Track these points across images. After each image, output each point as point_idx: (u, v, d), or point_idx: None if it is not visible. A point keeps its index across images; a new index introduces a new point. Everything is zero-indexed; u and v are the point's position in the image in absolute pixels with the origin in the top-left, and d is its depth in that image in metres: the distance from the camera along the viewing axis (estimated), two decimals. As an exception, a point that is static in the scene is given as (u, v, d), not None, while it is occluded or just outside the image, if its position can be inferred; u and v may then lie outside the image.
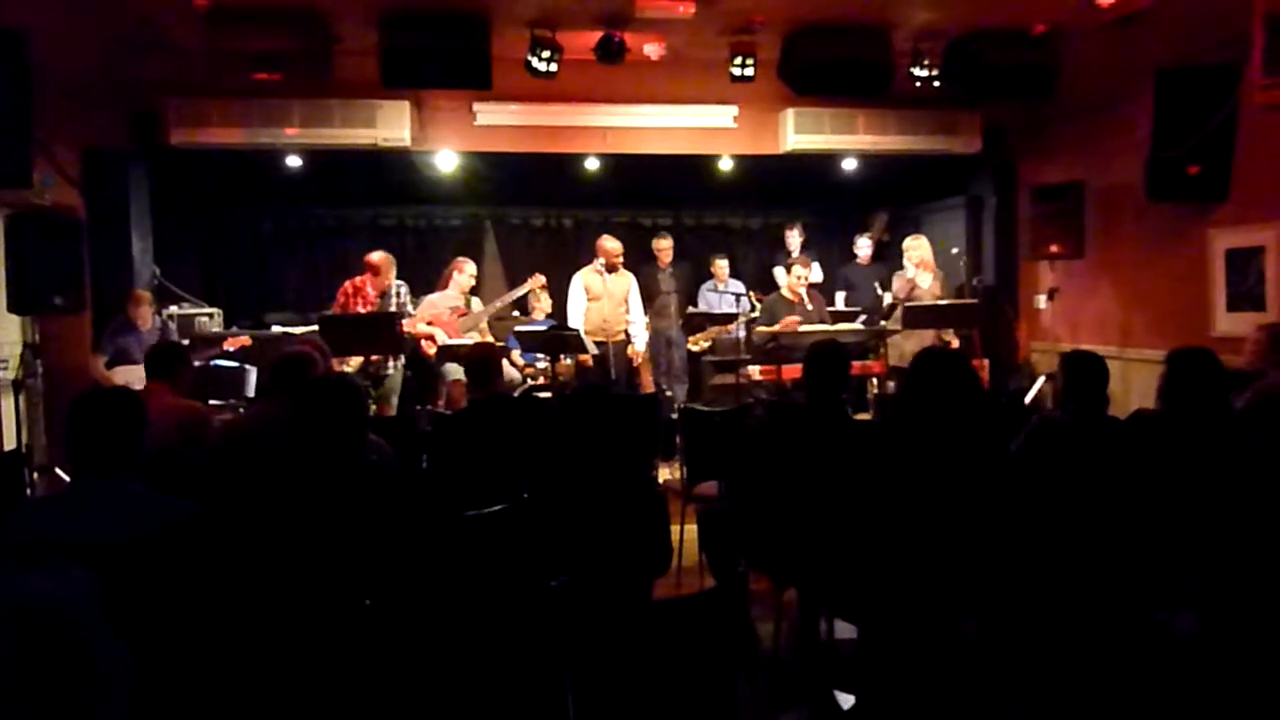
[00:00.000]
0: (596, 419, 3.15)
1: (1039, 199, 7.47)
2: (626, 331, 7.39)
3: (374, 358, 6.50)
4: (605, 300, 7.26)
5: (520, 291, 7.53)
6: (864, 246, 8.78)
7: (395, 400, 6.74)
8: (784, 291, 7.42)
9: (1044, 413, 3.77)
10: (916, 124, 7.41)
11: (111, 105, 6.69)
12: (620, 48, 5.92)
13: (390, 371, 6.66)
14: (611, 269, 7.34)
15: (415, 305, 6.97)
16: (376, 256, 6.70)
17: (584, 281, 7.35)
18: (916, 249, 7.30)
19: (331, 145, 6.85)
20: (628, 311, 7.39)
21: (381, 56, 5.75)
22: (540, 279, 7.66)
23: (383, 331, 6.14)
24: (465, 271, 7.21)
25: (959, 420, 2.98)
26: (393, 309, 6.63)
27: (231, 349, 6.68)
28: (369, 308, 6.62)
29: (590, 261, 7.48)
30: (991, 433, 3.17)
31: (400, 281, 6.81)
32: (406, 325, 6.57)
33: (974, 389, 3.09)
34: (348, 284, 6.71)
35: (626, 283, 7.42)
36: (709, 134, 7.51)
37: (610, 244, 7.40)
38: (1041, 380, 6.61)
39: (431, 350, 6.92)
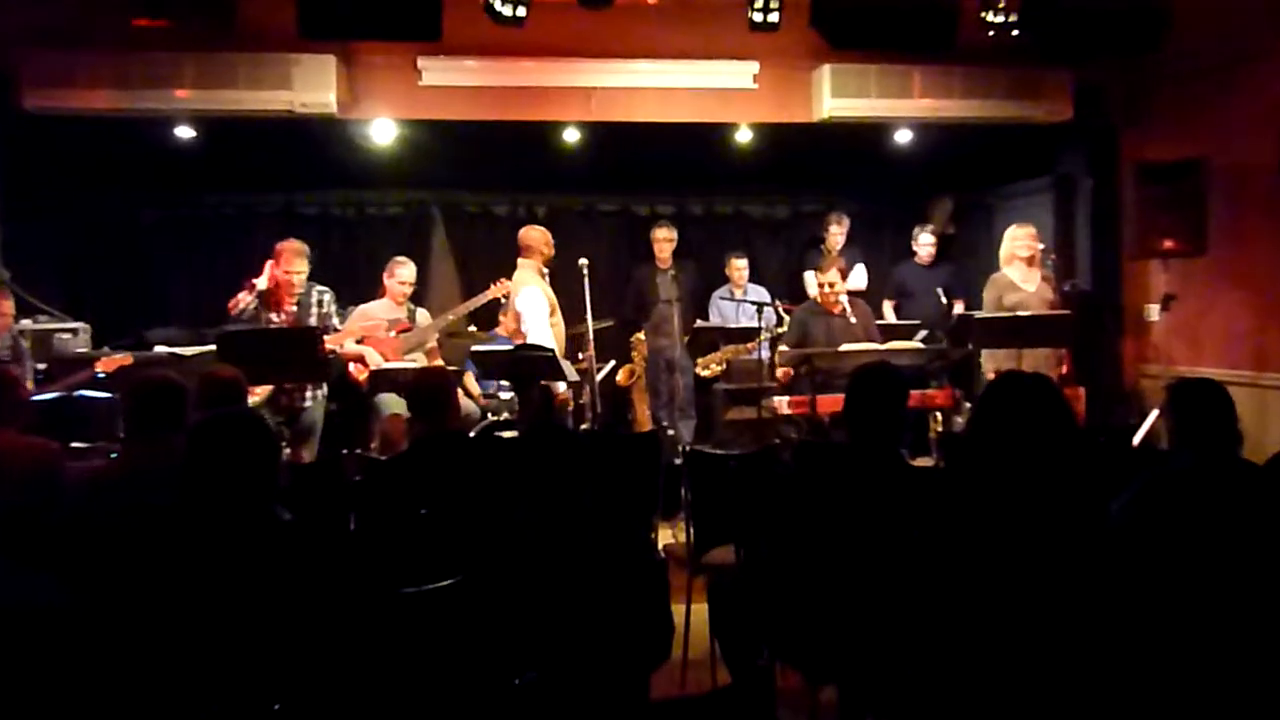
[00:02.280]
0: (568, 466, 3.15)
1: (1147, 180, 7.51)
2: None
3: (288, 386, 6.48)
4: (558, 312, 7.06)
5: (479, 301, 7.52)
6: (924, 243, 8.82)
7: (315, 441, 6.73)
8: (819, 300, 7.43)
9: (1158, 459, 3.77)
10: (989, 85, 7.47)
11: (-54, 60, 6.73)
12: (608, -14, 5.96)
13: (308, 404, 6.65)
14: (549, 265, 7.07)
15: (342, 319, 6.98)
16: (286, 244, 6.67)
17: (544, 292, 7.00)
18: (1023, 241, 7.21)
19: (234, 112, 6.86)
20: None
21: (299, -2, 5.79)
22: (506, 285, 7.65)
23: (301, 351, 6.10)
24: (397, 275, 7.21)
25: (1045, 468, 2.98)
26: (312, 322, 6.62)
27: (104, 373, 6.65)
28: (285, 318, 6.63)
29: (547, 262, 7.15)
30: (1088, 485, 3.16)
31: (323, 288, 6.81)
32: (330, 343, 6.57)
33: (1065, 426, 3.09)
34: (249, 285, 6.68)
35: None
36: (722, 98, 7.56)
37: (539, 233, 7.11)
38: (1154, 415, 6.62)
39: (363, 376, 6.91)
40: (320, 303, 6.75)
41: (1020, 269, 7.09)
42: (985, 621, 2.86)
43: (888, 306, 8.75)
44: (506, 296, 7.72)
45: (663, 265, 8.54)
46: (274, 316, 6.59)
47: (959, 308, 8.26)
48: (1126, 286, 8.20)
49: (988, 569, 2.90)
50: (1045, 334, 6.90)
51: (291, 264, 6.58)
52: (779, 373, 7.05)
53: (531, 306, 6.89)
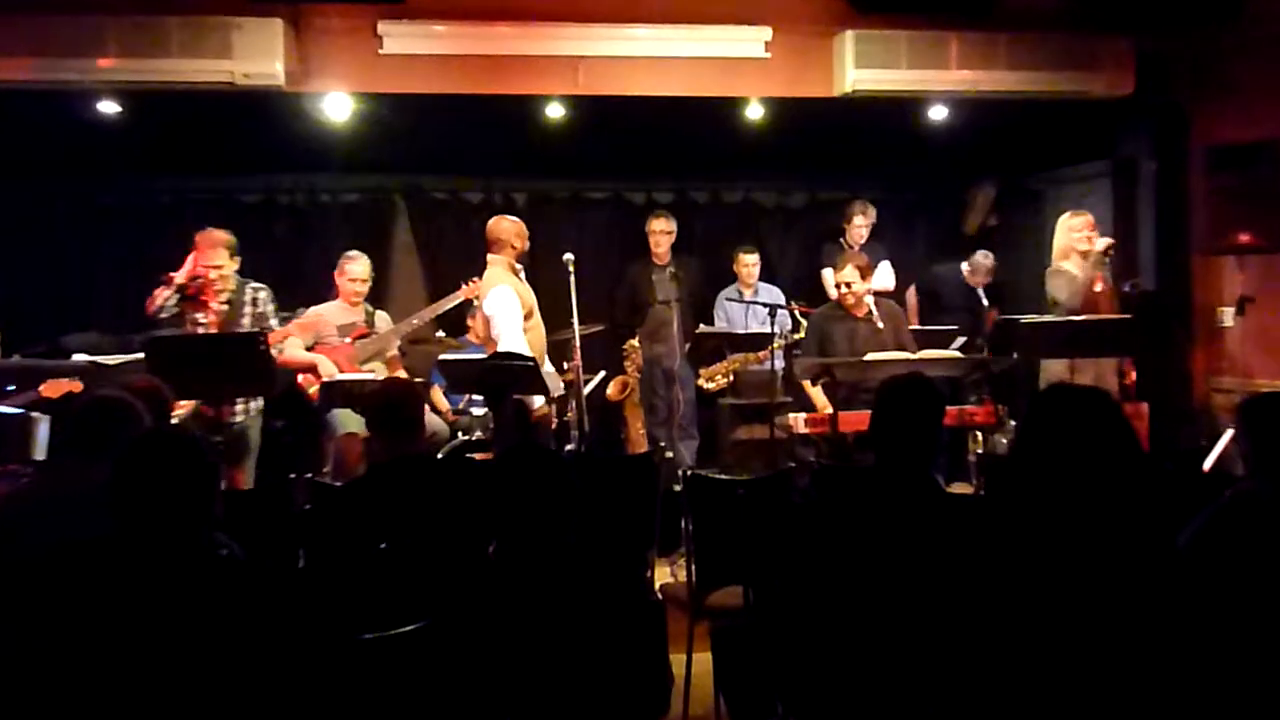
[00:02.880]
0: (550, 494, 3.14)
1: (1220, 165, 7.53)
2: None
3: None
4: (536, 315, 6.92)
5: (447, 304, 7.53)
6: (980, 269, 8.87)
7: (251, 464, 6.71)
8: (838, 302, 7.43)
9: (1231, 486, 3.77)
10: (1037, 55, 7.50)
11: None
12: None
13: (239, 418, 6.61)
14: (522, 261, 6.93)
15: (283, 321, 6.99)
16: (205, 234, 6.66)
17: (518, 292, 6.83)
18: (1081, 232, 7.15)
19: (166, 84, 6.87)
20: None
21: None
22: (479, 285, 7.64)
23: (244, 359, 6.09)
24: (348, 271, 7.23)
25: (1103, 497, 2.98)
26: (245, 323, 6.64)
27: (52, 397, 6.59)
28: (213, 319, 6.63)
29: (520, 258, 6.97)
30: (1152, 517, 3.16)
31: (258, 285, 6.82)
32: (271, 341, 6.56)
33: (1126, 448, 3.09)
34: (167, 279, 6.65)
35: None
36: (729, 68, 7.58)
37: (509, 224, 6.95)
38: (1227, 436, 6.62)
39: (314, 388, 6.91)
40: (255, 301, 6.77)
41: (1078, 264, 7.10)
42: (1036, 675, 2.85)
43: (912, 297, 8.76)
44: (479, 298, 7.71)
45: (660, 261, 8.54)
46: (199, 316, 6.58)
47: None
48: (1196, 287, 8.23)
49: (1037, 613, 2.89)
50: (1102, 341, 6.91)
51: (210, 256, 6.57)
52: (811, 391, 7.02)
53: (501, 309, 6.74)
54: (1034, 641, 2.87)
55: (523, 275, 6.94)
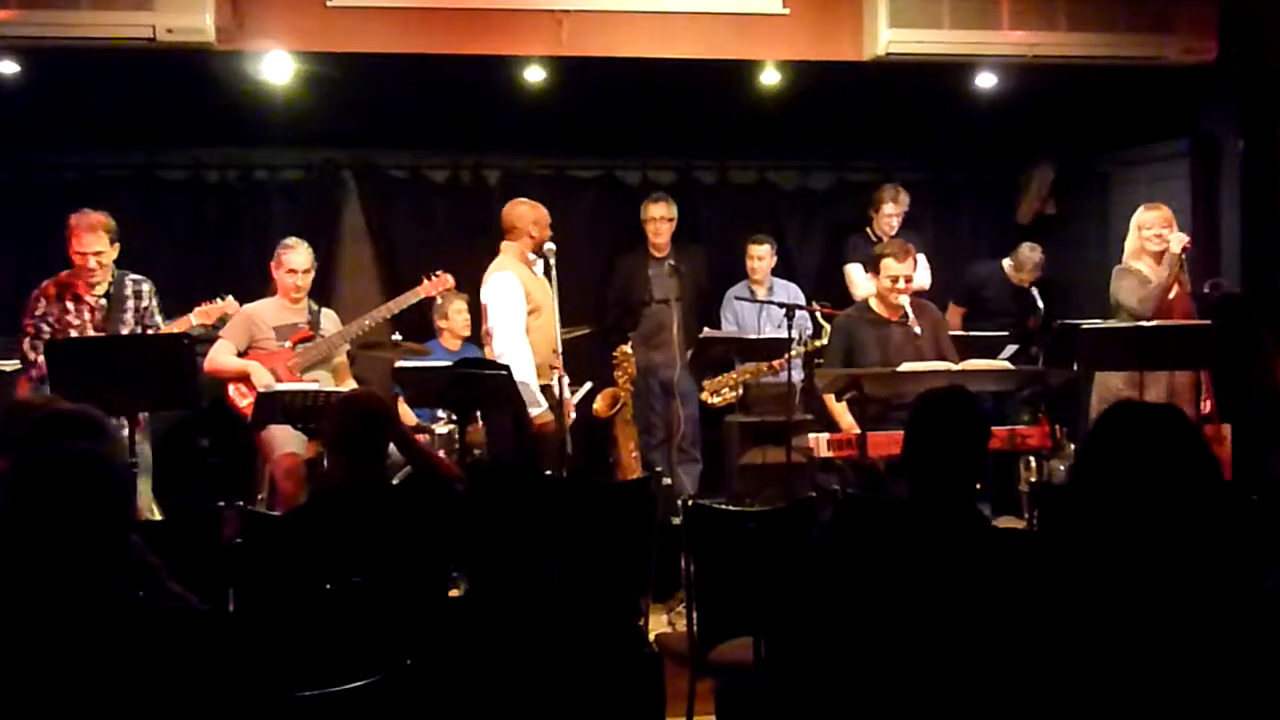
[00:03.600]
0: (524, 527, 3.15)
1: (1318, 143, 7.55)
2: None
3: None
4: (546, 313, 7.01)
5: (405, 302, 7.53)
6: (1028, 265, 8.90)
7: (147, 488, 6.74)
8: (871, 303, 7.45)
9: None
10: (1103, 13, 7.55)
11: None
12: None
13: (127, 431, 6.59)
14: (542, 256, 7.04)
15: (167, 320, 7.03)
16: (80, 217, 6.71)
17: (523, 283, 7.00)
18: (1153, 229, 7.16)
19: (74, 40, 6.87)
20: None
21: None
22: (447, 280, 7.67)
23: (164, 366, 6.13)
24: (286, 262, 7.25)
25: (1177, 531, 2.99)
26: (127, 319, 6.69)
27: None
28: (90, 315, 6.67)
29: (539, 248, 7.15)
30: (1236, 554, 3.18)
31: (139, 277, 6.89)
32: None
33: (1204, 475, 3.11)
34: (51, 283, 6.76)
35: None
36: (740, 27, 7.61)
37: (542, 211, 7.14)
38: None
39: (245, 401, 6.92)
40: (138, 294, 6.86)
41: (1150, 266, 7.12)
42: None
43: (954, 315, 8.78)
44: (444, 295, 7.75)
45: (658, 253, 8.55)
46: (70, 306, 6.67)
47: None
48: (1290, 287, 8.25)
49: (1099, 668, 2.91)
50: (1178, 351, 6.92)
51: (89, 241, 6.64)
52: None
53: (498, 297, 6.88)
54: (1097, 701, 2.88)
55: (539, 268, 7.03)
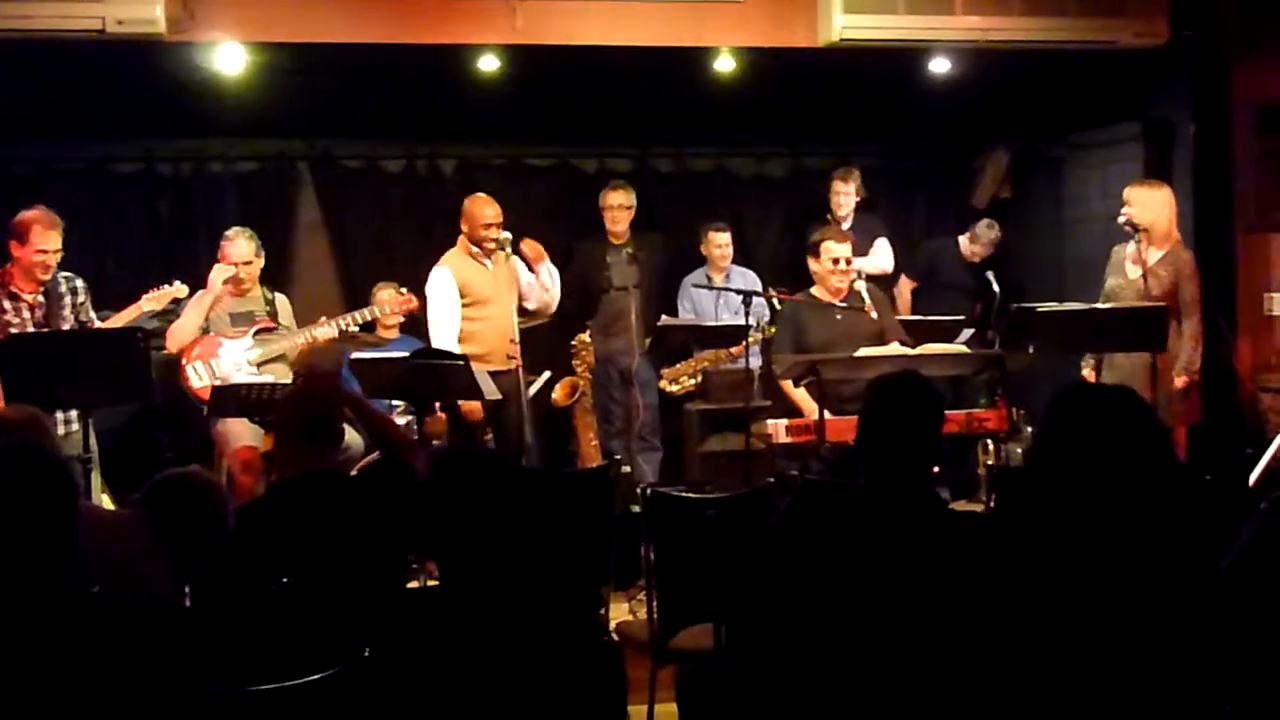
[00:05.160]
0: (486, 515, 3.14)
1: (1270, 127, 7.60)
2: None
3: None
4: (494, 304, 7.28)
5: (363, 316, 7.52)
6: (984, 242, 8.96)
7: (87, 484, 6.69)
8: (813, 289, 7.43)
9: (1272, 496, 3.81)
10: (1055, -3, 7.55)
11: None
12: None
13: (62, 429, 6.56)
14: (489, 248, 7.34)
15: (102, 317, 7.02)
16: (37, 215, 6.69)
17: (455, 275, 7.34)
18: (1138, 202, 7.08)
19: (21, 32, 6.78)
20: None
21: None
22: (410, 300, 7.65)
23: (119, 361, 6.11)
24: (228, 254, 7.24)
25: (1132, 514, 3.01)
26: (65, 316, 6.69)
27: None
28: (31, 314, 6.67)
29: (479, 239, 7.44)
30: (1190, 536, 3.19)
31: (71, 275, 6.88)
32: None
33: (1158, 457, 3.12)
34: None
35: (514, 269, 7.53)
36: (697, 13, 7.59)
37: (481, 206, 7.42)
38: (1278, 443, 6.69)
39: (200, 384, 6.93)
40: (73, 291, 6.87)
41: (1131, 244, 7.11)
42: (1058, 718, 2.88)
43: (905, 287, 8.82)
44: (397, 290, 7.80)
45: (616, 240, 8.54)
46: (6, 305, 6.66)
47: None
48: (1241, 269, 8.30)
49: (1057, 649, 2.92)
50: (1130, 333, 6.94)
51: (49, 239, 6.64)
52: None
53: (429, 292, 7.29)
54: (1053, 681, 2.89)
55: (490, 260, 7.34)
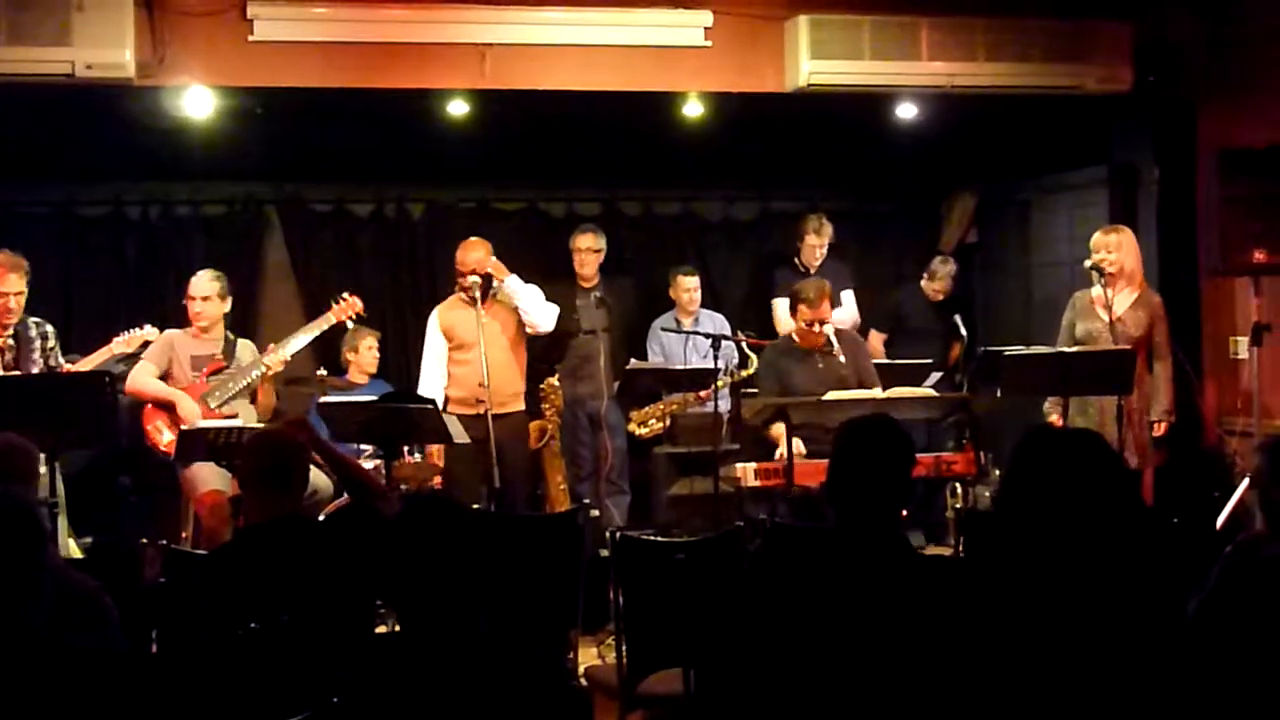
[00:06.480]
0: (452, 561, 3.13)
1: (1234, 171, 7.62)
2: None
3: None
4: (480, 348, 7.26)
5: (319, 328, 7.49)
6: (937, 259, 8.99)
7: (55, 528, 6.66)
8: (794, 335, 7.46)
9: (1247, 544, 3.84)
10: (1022, 43, 7.62)
11: None
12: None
13: None
14: (473, 295, 7.32)
15: (70, 360, 7.04)
16: (12, 256, 6.73)
17: (440, 321, 7.54)
18: (1116, 248, 7.11)
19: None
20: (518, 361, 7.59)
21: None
22: (355, 304, 7.62)
23: (85, 404, 6.12)
24: (189, 291, 7.23)
25: (1099, 557, 3.02)
26: (35, 359, 6.69)
27: None
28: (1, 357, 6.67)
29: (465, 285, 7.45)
30: (1157, 579, 3.21)
31: (40, 320, 6.89)
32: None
33: (1124, 500, 3.14)
34: None
35: (512, 312, 7.55)
36: (665, 59, 7.63)
37: (460, 252, 7.50)
38: (1243, 486, 6.72)
39: (166, 439, 6.87)
40: (43, 335, 6.89)
41: (1096, 288, 7.12)
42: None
43: (876, 340, 8.84)
44: (356, 330, 7.79)
45: (585, 284, 8.56)
46: None
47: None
48: (1206, 313, 8.35)
49: (1025, 694, 2.92)
50: (1098, 376, 6.98)
51: (11, 282, 6.65)
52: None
53: (427, 344, 7.58)
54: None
55: (483, 305, 7.34)
